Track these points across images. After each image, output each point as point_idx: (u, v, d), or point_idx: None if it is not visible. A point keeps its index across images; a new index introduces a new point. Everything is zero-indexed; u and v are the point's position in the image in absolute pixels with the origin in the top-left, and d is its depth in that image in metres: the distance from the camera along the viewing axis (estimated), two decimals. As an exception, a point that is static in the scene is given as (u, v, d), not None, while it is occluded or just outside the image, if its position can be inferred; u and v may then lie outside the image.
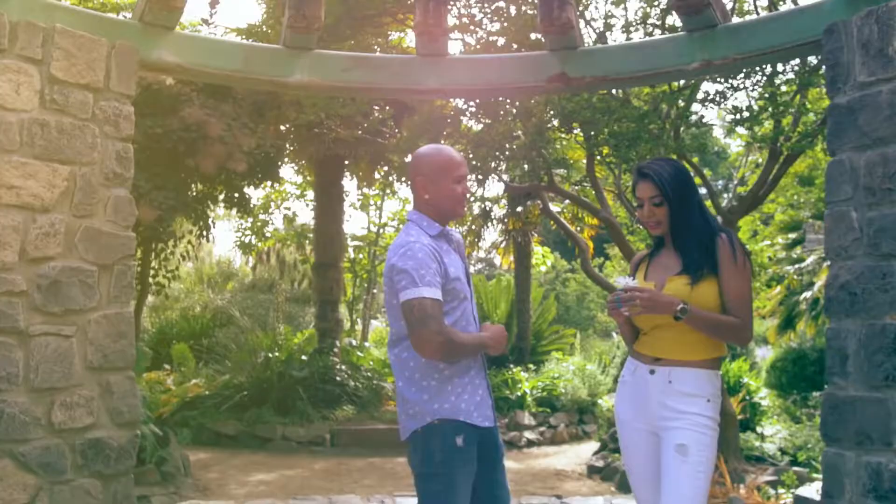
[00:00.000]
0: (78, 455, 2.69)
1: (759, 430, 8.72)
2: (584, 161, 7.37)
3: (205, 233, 7.95)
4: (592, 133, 5.35)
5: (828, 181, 2.73)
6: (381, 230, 14.22)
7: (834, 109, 2.75)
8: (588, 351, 16.50)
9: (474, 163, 5.70)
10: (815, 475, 6.31)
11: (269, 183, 9.17)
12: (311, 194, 13.08)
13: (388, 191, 13.38)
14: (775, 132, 5.31)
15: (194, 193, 7.33)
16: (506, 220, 12.19)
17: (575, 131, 5.93)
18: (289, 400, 9.00)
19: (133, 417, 2.84)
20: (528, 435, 9.80)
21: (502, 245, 13.35)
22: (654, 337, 2.63)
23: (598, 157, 5.68)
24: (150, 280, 7.96)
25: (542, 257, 14.32)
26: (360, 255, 14.49)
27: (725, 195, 7.98)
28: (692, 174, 2.71)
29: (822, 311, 10.82)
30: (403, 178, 10.29)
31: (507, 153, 5.75)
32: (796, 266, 11.12)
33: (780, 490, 5.16)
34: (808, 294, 10.79)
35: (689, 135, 5.56)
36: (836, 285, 2.62)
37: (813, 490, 4.75)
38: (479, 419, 2.56)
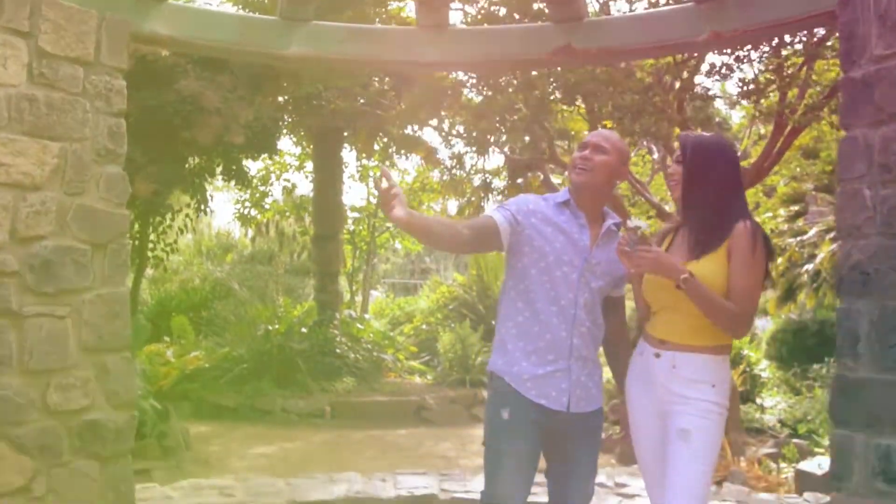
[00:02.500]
0: (75, 437, 2.65)
1: (759, 401, 8.74)
2: (587, 132, 7.28)
3: (203, 206, 7.86)
4: (596, 106, 5.25)
5: (840, 158, 2.66)
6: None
7: (848, 83, 2.66)
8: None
9: (474, 135, 5.61)
10: (815, 448, 6.33)
11: (267, 155, 9.06)
12: (310, 165, 12.97)
13: (387, 162, 13.26)
14: (781, 105, 5.21)
15: (191, 166, 7.23)
16: (506, 191, 12.11)
17: (578, 103, 5.83)
18: (289, 372, 9.01)
19: (130, 398, 2.80)
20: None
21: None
22: (661, 318, 2.58)
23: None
24: (149, 254, 7.90)
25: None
26: (360, 227, 14.41)
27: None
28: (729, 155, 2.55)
29: (822, 283, 10.80)
30: (403, 151, 10.17)
31: (507, 125, 5.65)
32: (798, 238, 11.06)
33: (782, 464, 5.17)
34: (809, 266, 10.74)
35: (693, 107, 5.46)
36: (847, 265, 2.55)
37: (815, 465, 4.75)
38: (533, 393, 2.50)
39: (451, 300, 14.09)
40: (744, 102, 6.08)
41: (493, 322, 10.26)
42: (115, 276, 2.82)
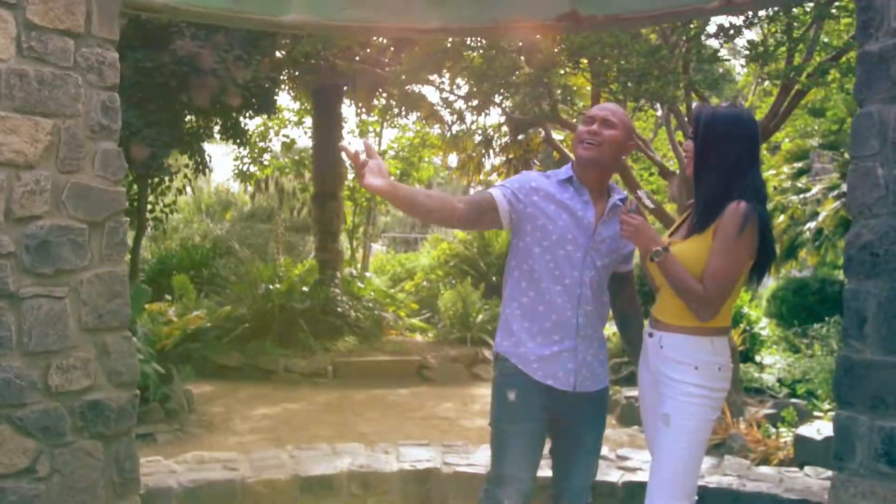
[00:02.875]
0: (77, 418, 2.65)
1: (758, 359, 8.79)
2: (590, 88, 7.14)
3: (201, 167, 7.77)
4: (601, 70, 5.12)
5: (853, 134, 2.59)
6: (381, 156, 13.99)
7: (864, 57, 2.58)
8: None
9: (475, 94, 5.50)
10: (815, 412, 6.38)
11: (265, 115, 8.94)
12: (308, 121, 12.82)
13: (387, 117, 13.09)
14: (788, 68, 5.09)
15: (188, 127, 7.12)
16: (507, 147, 11.99)
17: (582, 67, 5.69)
18: (290, 332, 9.04)
19: (132, 378, 2.79)
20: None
21: (503, 174, 13.16)
22: (659, 297, 2.57)
23: (608, 94, 5.47)
24: (148, 215, 7.84)
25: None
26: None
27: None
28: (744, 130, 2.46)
29: (825, 241, 10.77)
30: (403, 108, 10.03)
31: (510, 87, 5.54)
32: (801, 196, 11.00)
33: (781, 428, 5.21)
34: (811, 224, 10.70)
35: (701, 69, 5.34)
36: (857, 244, 2.51)
37: (814, 430, 4.79)
38: (539, 374, 2.50)
39: (451, 257, 14.07)
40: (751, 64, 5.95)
41: (494, 279, 10.41)
42: (113, 254, 2.78)
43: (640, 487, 2.86)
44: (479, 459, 3.32)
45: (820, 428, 4.79)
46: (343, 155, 2.42)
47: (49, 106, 2.66)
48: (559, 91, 5.91)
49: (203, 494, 2.94)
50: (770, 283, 15.71)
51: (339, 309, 9.60)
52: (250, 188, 14.43)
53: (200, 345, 8.81)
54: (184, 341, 8.87)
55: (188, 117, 7.01)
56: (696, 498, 2.55)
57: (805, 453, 4.74)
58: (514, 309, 2.53)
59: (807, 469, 3.09)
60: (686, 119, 6.57)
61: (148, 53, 5.74)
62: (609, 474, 3.08)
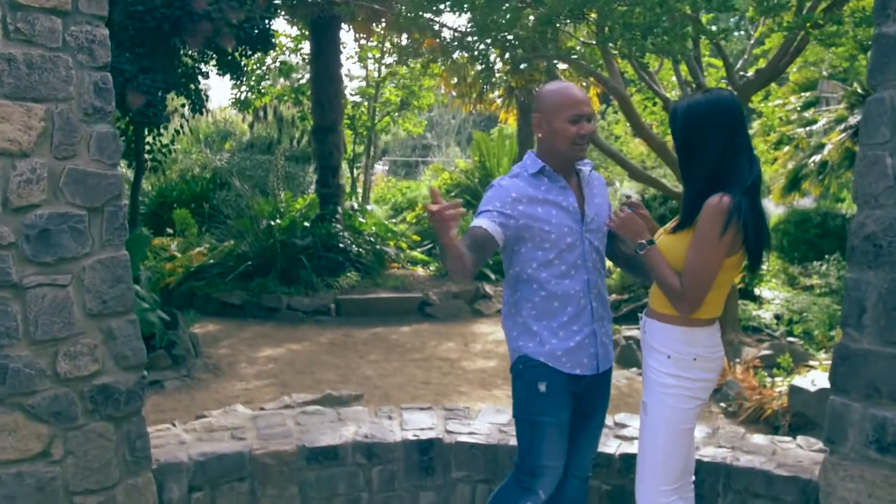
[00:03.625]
0: (87, 401, 2.71)
1: (757, 292, 8.87)
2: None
3: (198, 106, 7.62)
4: (606, 27, 4.94)
5: (864, 121, 2.53)
6: (381, 84, 13.71)
7: (880, 39, 2.49)
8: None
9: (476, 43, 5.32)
10: (810, 352, 6.49)
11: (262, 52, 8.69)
12: (306, 46, 12.51)
13: (387, 43, 12.75)
14: (802, 18, 4.90)
15: (184, 69, 6.94)
16: (507, 77, 11.74)
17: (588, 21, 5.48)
18: (292, 269, 9.11)
19: (138, 360, 2.83)
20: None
21: (508, 104, 12.92)
22: (652, 284, 2.59)
23: (614, 50, 5.29)
24: (146, 157, 7.76)
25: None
26: (360, 111, 14.08)
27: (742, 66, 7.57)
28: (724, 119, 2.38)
29: (830, 173, 10.67)
30: (404, 33, 9.72)
31: (514, 40, 5.36)
32: (807, 128, 10.83)
33: (777, 377, 5.31)
34: (816, 157, 10.59)
35: (715, 21, 5.15)
36: (860, 234, 2.49)
37: (808, 381, 4.88)
38: (568, 366, 2.54)
39: (453, 186, 14.02)
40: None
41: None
42: (113, 239, 2.77)
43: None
44: (479, 427, 3.41)
45: (814, 379, 4.89)
46: (430, 195, 2.38)
47: (40, 91, 2.59)
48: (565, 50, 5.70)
49: (213, 467, 3.02)
50: (773, 212, 15.70)
51: (340, 245, 9.63)
52: (249, 117, 14.21)
53: (204, 282, 8.89)
54: (187, 279, 8.96)
55: (184, 59, 6.82)
56: (693, 478, 2.63)
57: (799, 404, 4.85)
58: (530, 310, 2.55)
59: (799, 439, 3.17)
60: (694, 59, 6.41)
61: (139, -4, 5.55)
62: (607, 443, 3.16)
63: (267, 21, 7.10)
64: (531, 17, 5.18)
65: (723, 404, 5.37)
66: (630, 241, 2.47)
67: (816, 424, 4.80)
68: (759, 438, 3.21)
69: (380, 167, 23.04)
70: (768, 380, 5.29)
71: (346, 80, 11.77)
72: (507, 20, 5.05)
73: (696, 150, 2.40)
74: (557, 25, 5.24)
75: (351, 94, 13.62)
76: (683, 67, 6.93)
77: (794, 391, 4.89)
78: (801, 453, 3.04)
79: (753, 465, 2.90)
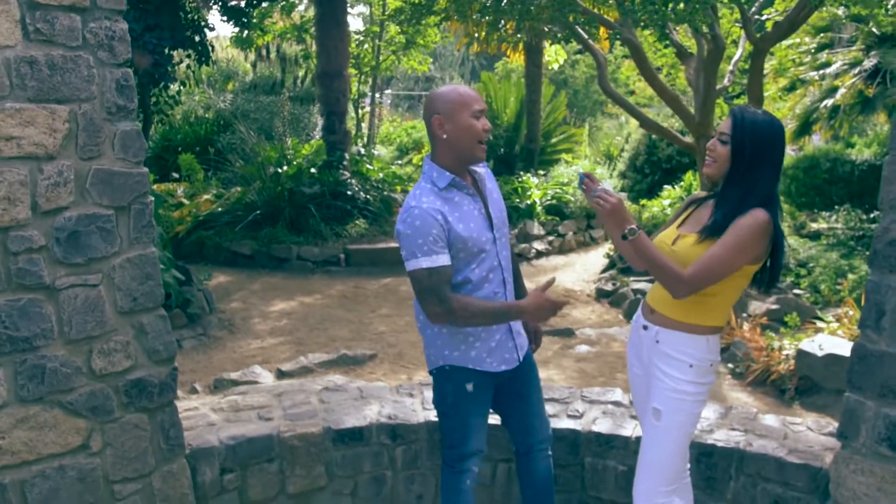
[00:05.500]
0: (122, 395, 2.78)
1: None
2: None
3: (203, 58, 7.49)
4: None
5: (894, 125, 2.51)
6: (385, 23, 13.39)
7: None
8: (597, 144, 16.38)
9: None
10: (817, 308, 6.56)
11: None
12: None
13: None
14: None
15: (187, 22, 6.78)
16: (521, 24, 11.45)
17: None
18: (301, 217, 9.13)
19: (170, 354, 2.89)
20: (538, 245, 10.07)
21: (511, 41, 12.64)
22: (655, 286, 2.62)
23: (633, 19, 5.15)
24: (152, 108, 7.67)
25: (555, 55, 13.64)
26: (364, 49, 13.81)
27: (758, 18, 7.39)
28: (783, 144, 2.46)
29: (841, 118, 10.53)
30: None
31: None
32: (820, 71, 10.63)
33: (785, 340, 5.39)
34: (829, 101, 10.42)
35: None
36: (885, 239, 2.51)
37: (815, 346, 4.97)
38: (493, 364, 2.67)
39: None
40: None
41: (503, 151, 10.38)
42: (141, 237, 2.80)
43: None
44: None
45: (821, 343, 4.97)
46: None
47: (63, 92, 2.57)
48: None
49: (243, 449, 3.13)
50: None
51: (348, 192, 9.62)
52: (251, 56, 13.93)
53: (213, 231, 8.93)
54: (196, 228, 9.00)
55: (188, 10, 6.66)
56: (689, 465, 2.73)
57: (806, 368, 4.96)
58: None
59: (810, 422, 3.27)
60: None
61: (142, -51, 5.39)
62: (623, 426, 3.26)
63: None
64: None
65: (730, 365, 5.48)
66: (616, 227, 2.41)
67: (823, 388, 4.93)
68: (770, 419, 3.31)
69: (384, 100, 22.71)
70: (776, 342, 5.38)
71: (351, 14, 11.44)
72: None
73: (762, 162, 2.42)
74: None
75: (355, 34, 13.33)
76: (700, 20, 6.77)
77: (802, 355, 4.98)
78: (812, 437, 3.14)
79: (766, 450, 3.00)
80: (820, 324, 5.66)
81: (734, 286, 2.50)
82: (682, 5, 4.36)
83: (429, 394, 3.63)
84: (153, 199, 2.89)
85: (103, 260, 2.71)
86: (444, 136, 2.52)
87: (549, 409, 3.46)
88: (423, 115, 2.65)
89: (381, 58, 13.52)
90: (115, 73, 2.70)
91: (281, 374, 5.21)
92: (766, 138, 2.41)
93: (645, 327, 2.61)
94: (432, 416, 3.36)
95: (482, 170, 2.73)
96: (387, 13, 12.73)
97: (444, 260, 2.46)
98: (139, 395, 2.83)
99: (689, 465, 2.73)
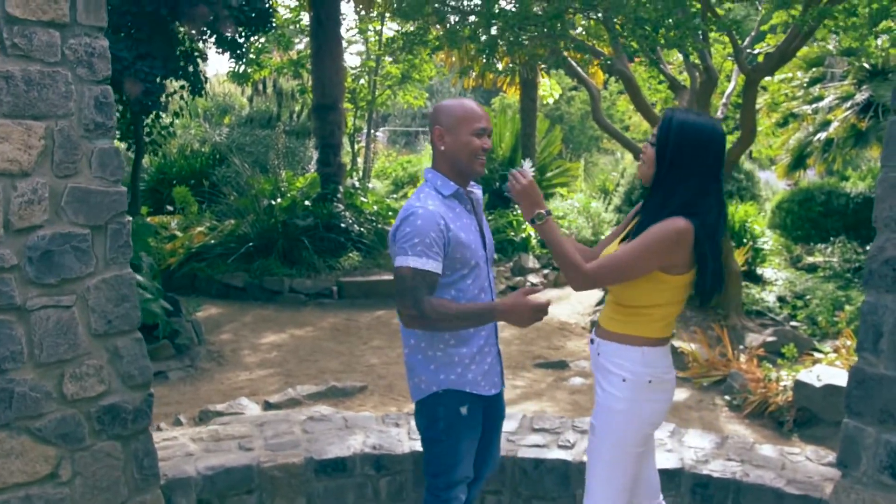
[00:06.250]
0: (95, 422, 2.68)
1: (759, 272, 8.84)
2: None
3: (197, 88, 7.49)
4: (615, 21, 4.81)
5: (886, 140, 2.47)
6: (381, 59, 13.51)
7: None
8: (593, 179, 16.43)
9: (483, 38, 5.21)
10: (814, 339, 6.48)
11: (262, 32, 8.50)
12: (306, 17, 12.29)
13: (387, 14, 12.52)
14: (817, 10, 4.77)
15: (182, 52, 6.79)
16: (513, 53, 11.55)
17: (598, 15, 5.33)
18: (294, 250, 9.07)
19: (145, 379, 2.80)
20: (532, 279, 9.99)
21: (506, 77, 12.73)
22: (605, 304, 2.55)
23: (624, 41, 5.16)
24: (146, 139, 7.65)
25: (550, 89, 13.75)
26: (360, 84, 13.90)
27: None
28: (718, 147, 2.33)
29: (835, 152, 10.57)
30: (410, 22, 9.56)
31: (521, 32, 5.23)
32: (813, 105, 10.70)
33: (782, 370, 5.30)
34: (822, 135, 10.47)
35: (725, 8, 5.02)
36: (880, 258, 2.45)
37: (813, 376, 4.87)
38: (486, 388, 2.60)
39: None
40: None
41: (497, 185, 10.35)
42: (117, 257, 2.72)
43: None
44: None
45: (819, 374, 4.88)
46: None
47: (39, 108, 2.52)
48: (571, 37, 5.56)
49: (221, 480, 3.02)
50: (774, 180, 15.58)
51: (342, 224, 9.57)
52: (248, 90, 14.01)
53: (205, 264, 8.86)
54: (188, 260, 8.92)
55: (182, 40, 6.67)
56: (660, 496, 2.60)
57: (804, 399, 4.85)
58: (447, 340, 2.52)
59: (808, 451, 3.16)
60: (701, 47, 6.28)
61: (135, -20, 5.41)
62: (669, 459, 3.10)
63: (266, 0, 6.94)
64: (536, 9, 5.05)
65: (727, 397, 5.38)
66: (527, 209, 2.35)
67: (821, 420, 4.82)
68: (767, 450, 3.20)
69: (379, 136, 22.83)
70: (773, 373, 5.28)
71: (347, 49, 11.55)
72: (513, 13, 4.92)
73: (685, 165, 2.29)
74: (566, 17, 5.11)
75: (351, 69, 13.44)
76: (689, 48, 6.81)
77: (800, 386, 4.88)
78: (811, 467, 3.03)
79: (764, 481, 2.89)
80: (818, 355, 5.57)
81: (664, 297, 2.35)
82: (672, 32, 4.35)
83: (414, 422, 3.52)
84: (131, 219, 2.82)
85: (77, 280, 2.63)
86: (443, 148, 2.50)
87: (539, 439, 3.36)
88: (429, 124, 2.62)
89: (377, 92, 13.59)
90: (95, 89, 2.65)
91: (268, 406, 5.08)
92: (691, 141, 2.27)
93: (592, 341, 2.55)
94: (418, 446, 3.25)
95: (478, 191, 2.68)
96: (382, 47, 12.86)
97: (432, 266, 2.38)
98: (112, 421, 2.72)
99: (660, 497, 2.61)
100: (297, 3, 12.74)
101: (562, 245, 2.30)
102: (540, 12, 5.05)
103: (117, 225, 2.72)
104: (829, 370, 4.98)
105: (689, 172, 2.29)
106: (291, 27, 13.43)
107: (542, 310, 2.41)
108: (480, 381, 2.58)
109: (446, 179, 2.52)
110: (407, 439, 3.30)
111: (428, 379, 2.59)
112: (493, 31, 5.15)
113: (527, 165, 2.41)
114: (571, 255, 2.29)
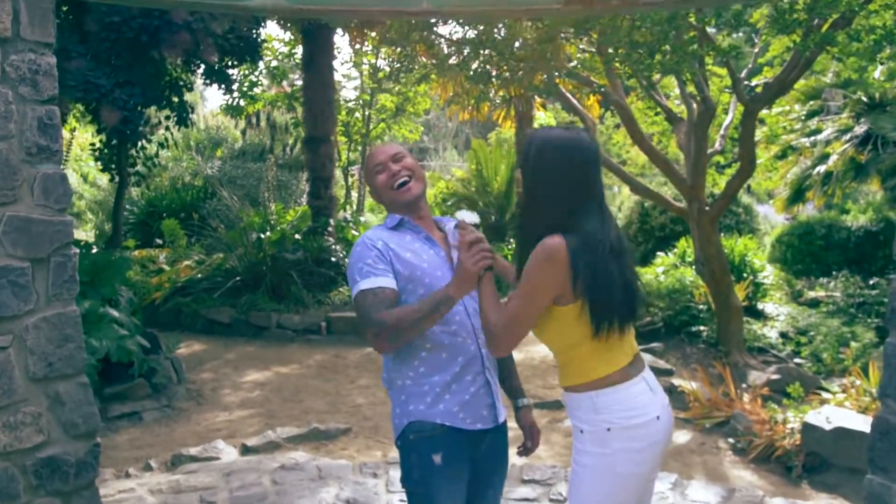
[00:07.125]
0: (31, 476, 2.42)
1: (760, 307, 8.58)
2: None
3: (183, 118, 7.31)
4: (610, 49, 4.66)
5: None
6: (376, 90, 13.41)
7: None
8: (589, 213, 16.23)
9: (474, 66, 5.04)
10: (820, 376, 6.21)
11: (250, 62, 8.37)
12: (299, 51, 12.22)
13: (381, 49, 12.46)
14: (819, 36, 4.61)
15: (166, 81, 6.63)
16: (506, 85, 11.45)
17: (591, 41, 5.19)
18: (283, 284, 8.81)
19: (90, 427, 2.54)
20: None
21: (502, 110, 12.62)
22: None
23: (619, 67, 5.01)
24: (129, 171, 7.45)
25: (545, 122, 13.63)
26: (354, 118, 13.78)
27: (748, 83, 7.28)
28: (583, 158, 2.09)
29: (834, 185, 10.40)
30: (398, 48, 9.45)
31: (510, 59, 5.07)
32: (812, 138, 10.55)
33: (789, 411, 5.02)
34: (821, 168, 10.30)
35: (722, 35, 4.87)
36: (901, 296, 2.22)
37: (822, 418, 4.59)
38: (467, 421, 2.30)
39: (449, 195, 13.74)
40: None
41: (493, 219, 10.04)
42: (61, 293, 2.48)
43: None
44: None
45: (829, 416, 4.60)
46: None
47: (-25, 129, 2.30)
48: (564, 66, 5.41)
49: (177, 540, 2.72)
50: (771, 213, 15.38)
51: (332, 259, 9.33)
52: (241, 123, 13.90)
53: (191, 298, 8.60)
54: (174, 294, 8.67)
55: (168, 70, 6.50)
56: None
57: (813, 443, 4.57)
58: (417, 368, 2.29)
59: (822, 503, 2.88)
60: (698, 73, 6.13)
61: (114, 6, 5.24)
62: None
63: (254, 31, 6.79)
64: (528, 37, 4.90)
65: (731, 440, 5.08)
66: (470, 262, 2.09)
67: (832, 465, 4.53)
68: (779, 503, 2.91)
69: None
70: (779, 414, 5.00)
71: (341, 83, 11.44)
72: (503, 38, 4.76)
73: (545, 189, 2.06)
74: (558, 42, 4.96)
75: (345, 101, 13.34)
76: (686, 74, 6.66)
77: (808, 429, 4.60)
78: (827, 525, 2.75)
79: (775, 541, 2.60)
80: (825, 394, 5.29)
81: (579, 333, 2.06)
82: (669, 57, 4.18)
83: (395, 473, 3.24)
84: (77, 251, 2.58)
85: (15, 319, 2.38)
86: (376, 198, 2.50)
87: (530, 492, 3.07)
88: None
89: (371, 125, 13.47)
90: (39, 110, 2.43)
91: (245, 450, 4.78)
92: (552, 160, 2.05)
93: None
94: (397, 500, 2.97)
95: (451, 225, 2.48)
96: (376, 80, 12.77)
97: (383, 281, 2.23)
98: (51, 476, 2.45)
99: None
100: (291, 38, 12.67)
101: (488, 306, 2.07)
102: (530, 38, 4.90)
103: (62, 258, 2.48)
104: (838, 412, 4.70)
105: (556, 191, 2.06)
106: (286, 61, 13.34)
107: (475, 243, 2.13)
108: (457, 413, 2.30)
109: (392, 214, 2.45)
110: (384, 492, 3.02)
111: (400, 412, 2.36)
112: (484, 56, 4.99)
113: (466, 216, 2.16)
114: (491, 317, 2.05)
